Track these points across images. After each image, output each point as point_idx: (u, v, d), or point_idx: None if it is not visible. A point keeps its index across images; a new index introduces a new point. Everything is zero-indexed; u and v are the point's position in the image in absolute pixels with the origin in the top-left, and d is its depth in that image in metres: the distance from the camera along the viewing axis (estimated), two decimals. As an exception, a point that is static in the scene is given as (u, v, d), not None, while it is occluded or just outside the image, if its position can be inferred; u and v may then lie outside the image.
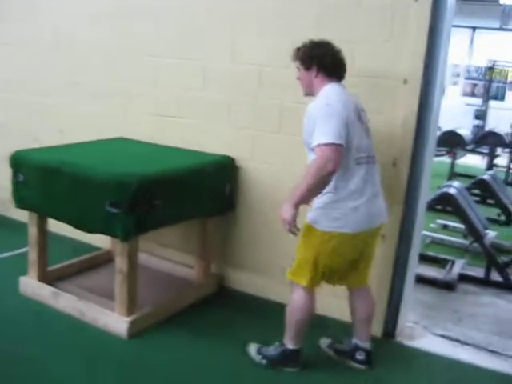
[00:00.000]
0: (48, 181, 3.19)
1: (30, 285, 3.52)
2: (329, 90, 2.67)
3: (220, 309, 3.57)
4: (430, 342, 3.33)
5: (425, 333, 3.44)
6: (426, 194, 3.36)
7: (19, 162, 3.33)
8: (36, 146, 3.70)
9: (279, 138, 3.52)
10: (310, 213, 2.69)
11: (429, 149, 3.14)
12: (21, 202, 3.39)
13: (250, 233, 3.74)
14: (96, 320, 3.22)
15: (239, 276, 3.81)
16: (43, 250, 3.52)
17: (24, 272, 3.58)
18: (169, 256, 4.06)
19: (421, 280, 4.04)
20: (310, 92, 2.78)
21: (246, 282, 3.78)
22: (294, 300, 2.81)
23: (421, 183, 3.16)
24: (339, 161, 2.48)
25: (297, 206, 2.53)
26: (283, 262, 3.13)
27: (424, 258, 4.51)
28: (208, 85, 3.73)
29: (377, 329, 3.31)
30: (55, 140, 3.87)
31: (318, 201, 2.64)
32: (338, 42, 2.76)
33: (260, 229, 3.68)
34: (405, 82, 3.04)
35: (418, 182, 3.15)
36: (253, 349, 3.00)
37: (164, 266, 4.00)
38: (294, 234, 2.59)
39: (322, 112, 2.55)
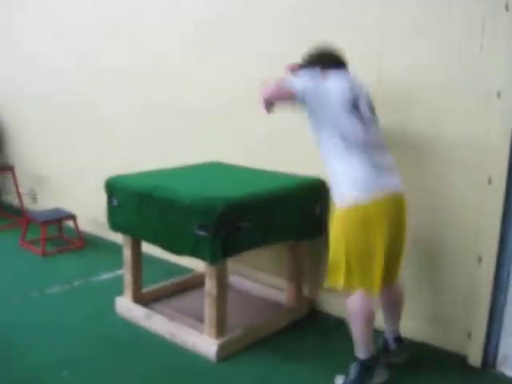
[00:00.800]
0: (140, 205, 3.28)
1: (125, 306, 3.63)
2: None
3: (311, 333, 3.50)
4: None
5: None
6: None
7: (113, 187, 3.47)
8: (134, 170, 3.84)
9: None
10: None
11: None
12: (115, 225, 3.52)
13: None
14: (186, 342, 3.25)
15: (331, 299, 3.72)
16: (137, 272, 3.63)
17: (121, 293, 3.71)
18: (261, 279, 4.05)
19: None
20: None
21: (338, 305, 3.68)
22: (348, 307, 2.79)
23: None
24: (283, 98, 2.78)
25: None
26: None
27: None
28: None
29: (475, 358, 3.12)
30: (155, 164, 3.96)
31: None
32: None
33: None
34: (498, 95, 2.87)
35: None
36: (339, 381, 2.88)
37: (256, 288, 4.00)
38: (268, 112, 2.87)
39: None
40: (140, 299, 3.66)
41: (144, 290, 3.74)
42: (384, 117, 2.95)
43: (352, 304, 2.75)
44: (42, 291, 3.99)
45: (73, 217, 4.96)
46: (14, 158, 6.21)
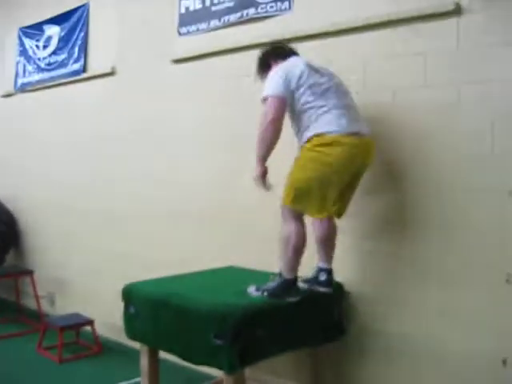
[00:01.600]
0: (157, 312, 3.26)
1: (144, 417, 3.53)
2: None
3: None
4: None
5: None
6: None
7: (130, 294, 3.46)
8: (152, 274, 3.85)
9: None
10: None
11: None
12: (132, 333, 3.48)
13: (364, 359, 3.55)
14: None
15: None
16: (155, 381, 3.54)
17: (139, 402, 3.61)
18: (281, 385, 3.93)
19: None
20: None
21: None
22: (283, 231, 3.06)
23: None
24: (279, 109, 2.95)
25: (261, 161, 3.01)
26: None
27: None
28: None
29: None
30: (173, 268, 3.97)
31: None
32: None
33: (374, 354, 3.49)
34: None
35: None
36: (252, 289, 3.16)
37: (276, 395, 3.88)
38: (267, 189, 3.08)
39: (271, 75, 3.08)
40: (158, 411, 3.55)
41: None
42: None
43: (288, 229, 3.02)
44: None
45: (91, 322, 4.92)
46: (34, 261, 6.26)
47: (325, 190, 2.99)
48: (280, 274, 3.12)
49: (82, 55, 5.58)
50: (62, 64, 5.82)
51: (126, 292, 3.50)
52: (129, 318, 3.48)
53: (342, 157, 2.97)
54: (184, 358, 3.20)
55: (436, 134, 3.21)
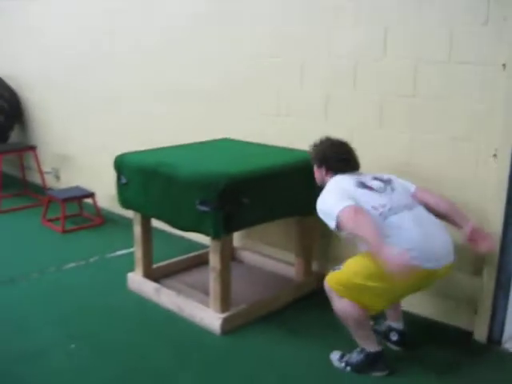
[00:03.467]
0: (146, 182, 3.33)
1: (136, 281, 3.71)
2: (333, 180, 2.87)
3: (318, 308, 3.49)
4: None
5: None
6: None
7: (121, 165, 3.52)
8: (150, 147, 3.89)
9: (379, 134, 3.41)
10: None
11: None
12: (125, 202, 3.59)
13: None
14: (193, 315, 3.32)
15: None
16: (148, 248, 3.69)
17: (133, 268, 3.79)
18: (272, 254, 4.08)
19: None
20: (322, 185, 2.93)
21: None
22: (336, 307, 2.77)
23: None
24: (355, 213, 2.52)
25: (375, 240, 2.42)
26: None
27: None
28: (306, 82, 3.73)
29: (480, 334, 3.10)
30: (170, 141, 3.99)
31: None
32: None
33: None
34: (504, 66, 2.81)
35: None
36: (335, 356, 2.91)
37: (267, 263, 4.03)
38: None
39: (325, 196, 2.76)
40: (151, 275, 3.73)
41: (155, 266, 3.80)
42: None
43: (339, 306, 2.71)
44: (58, 267, 4.11)
45: (92, 195, 5.05)
46: (38, 137, 6.34)
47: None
48: (362, 348, 2.80)
49: None
50: None
51: (117, 162, 3.55)
52: (121, 188, 3.56)
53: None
54: (172, 225, 3.32)
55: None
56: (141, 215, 3.59)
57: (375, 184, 2.79)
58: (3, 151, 5.70)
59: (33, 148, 5.83)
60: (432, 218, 2.73)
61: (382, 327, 3.10)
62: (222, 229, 3.02)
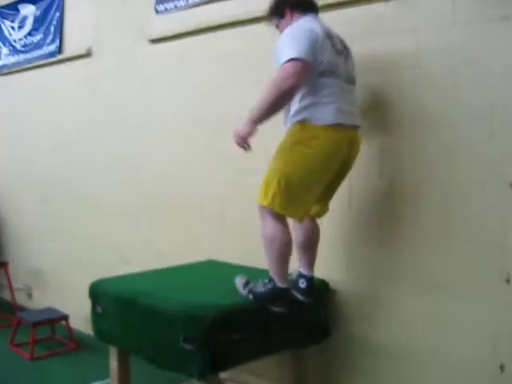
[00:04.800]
0: (124, 313, 3.02)
1: (113, 420, 3.31)
2: (303, 20, 2.69)
3: None
4: None
5: None
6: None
7: (97, 292, 3.22)
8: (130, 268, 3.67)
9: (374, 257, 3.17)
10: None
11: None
12: (100, 334, 3.25)
13: (349, 361, 3.32)
14: None
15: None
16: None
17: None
18: (262, 387, 3.70)
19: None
20: None
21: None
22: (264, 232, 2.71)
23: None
24: (302, 75, 2.46)
25: (255, 123, 2.54)
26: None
27: None
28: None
29: None
30: (151, 261, 3.79)
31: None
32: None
33: (360, 355, 3.25)
34: None
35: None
36: (240, 282, 2.88)
37: (257, 398, 3.64)
38: (245, 149, 2.63)
39: (288, 35, 2.56)
40: (129, 414, 3.33)
41: (133, 404, 3.40)
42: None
43: (269, 231, 2.67)
44: (23, 406, 3.68)
45: (65, 317, 4.68)
46: (10, 252, 6.02)
47: (309, 189, 2.70)
48: (271, 280, 2.76)
49: (58, 36, 5.28)
50: (38, 45, 5.52)
51: (92, 290, 3.25)
52: (96, 318, 3.24)
53: (324, 151, 2.65)
54: (152, 363, 2.96)
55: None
56: (118, 349, 3.24)
57: (338, 44, 2.71)
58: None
59: (4, 264, 5.49)
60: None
61: (292, 277, 2.97)
62: (208, 369, 2.67)
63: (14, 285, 5.54)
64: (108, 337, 3.20)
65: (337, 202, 3.04)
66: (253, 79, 3.58)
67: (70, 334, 4.69)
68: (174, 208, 4.25)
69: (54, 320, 4.74)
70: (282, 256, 2.68)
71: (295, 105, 2.64)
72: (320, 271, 3.25)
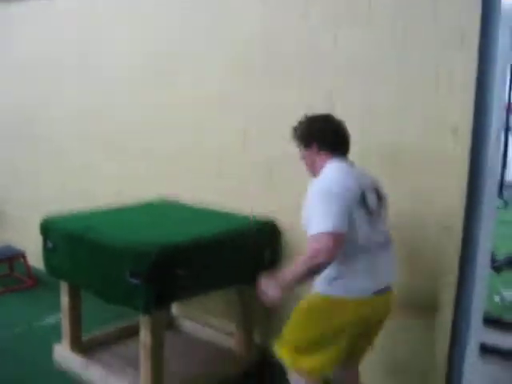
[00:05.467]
0: (73, 249, 3.07)
1: (63, 354, 3.42)
2: (332, 170, 2.40)
3: (258, 384, 3.27)
4: None
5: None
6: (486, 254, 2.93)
7: (47, 228, 3.25)
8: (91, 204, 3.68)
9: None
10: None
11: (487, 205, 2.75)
12: (51, 270, 3.30)
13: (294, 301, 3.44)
14: (121, 395, 3.03)
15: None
16: (76, 318, 3.41)
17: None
18: (213, 323, 3.81)
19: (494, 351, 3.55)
20: (313, 171, 2.50)
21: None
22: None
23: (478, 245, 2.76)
24: (336, 250, 2.18)
25: (283, 289, 2.32)
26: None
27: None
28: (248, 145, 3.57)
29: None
30: (108, 199, 3.82)
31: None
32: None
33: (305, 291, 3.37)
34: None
35: (475, 245, 2.76)
36: None
37: (207, 334, 3.76)
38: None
39: (321, 197, 2.27)
40: (79, 346, 3.42)
41: (85, 337, 3.50)
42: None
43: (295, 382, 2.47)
44: (-21, 338, 3.75)
45: (22, 254, 4.72)
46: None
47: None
48: None
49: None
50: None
51: (43, 226, 3.29)
52: (47, 254, 3.28)
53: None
54: (100, 297, 3.03)
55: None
56: (68, 284, 3.31)
57: (372, 201, 2.38)
58: None
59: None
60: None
61: None
62: (152, 304, 2.76)
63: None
64: (59, 272, 3.26)
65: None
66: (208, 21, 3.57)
67: (28, 271, 4.75)
68: (133, 150, 4.28)
69: (11, 257, 4.78)
70: None
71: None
72: (268, 211, 3.35)
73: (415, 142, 2.84)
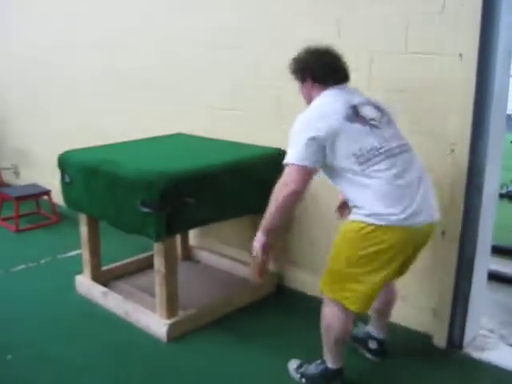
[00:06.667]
0: (89, 181, 3.15)
1: (84, 284, 3.55)
2: (317, 101, 2.38)
3: (274, 311, 3.36)
4: (503, 355, 2.87)
5: (499, 343, 2.99)
6: (495, 180, 2.92)
7: (65, 163, 3.34)
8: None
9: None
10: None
11: (494, 132, 2.71)
12: (69, 202, 3.41)
13: (307, 230, 3.50)
14: (139, 321, 3.15)
15: (298, 275, 3.58)
16: (96, 249, 3.53)
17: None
18: (229, 253, 3.91)
19: (500, 279, 3.56)
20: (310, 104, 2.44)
21: (304, 281, 3.53)
22: (324, 318, 2.50)
23: (484, 171, 2.74)
24: (304, 181, 2.25)
25: (267, 232, 2.41)
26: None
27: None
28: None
29: (440, 338, 2.95)
30: (127, 136, 3.83)
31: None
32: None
33: (317, 225, 3.42)
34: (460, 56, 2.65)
35: (482, 170, 2.74)
36: (293, 365, 2.71)
37: (223, 263, 3.86)
38: (265, 267, 2.52)
39: (297, 126, 2.30)
40: (99, 277, 3.56)
41: (105, 268, 3.63)
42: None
43: (329, 314, 2.45)
44: (7, 270, 3.92)
45: (47, 192, 4.86)
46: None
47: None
48: (323, 361, 2.59)
49: None
50: None
51: (60, 160, 3.37)
52: (65, 187, 3.39)
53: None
54: (116, 227, 3.14)
55: None
56: (87, 215, 3.41)
57: (369, 112, 2.32)
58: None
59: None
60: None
61: (361, 334, 2.87)
62: (163, 231, 2.84)
63: (2, 164, 5.69)
64: (76, 204, 3.36)
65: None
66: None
67: (53, 208, 4.89)
68: (146, 85, 4.31)
69: (37, 195, 4.92)
70: (338, 343, 2.50)
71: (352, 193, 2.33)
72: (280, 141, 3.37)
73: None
